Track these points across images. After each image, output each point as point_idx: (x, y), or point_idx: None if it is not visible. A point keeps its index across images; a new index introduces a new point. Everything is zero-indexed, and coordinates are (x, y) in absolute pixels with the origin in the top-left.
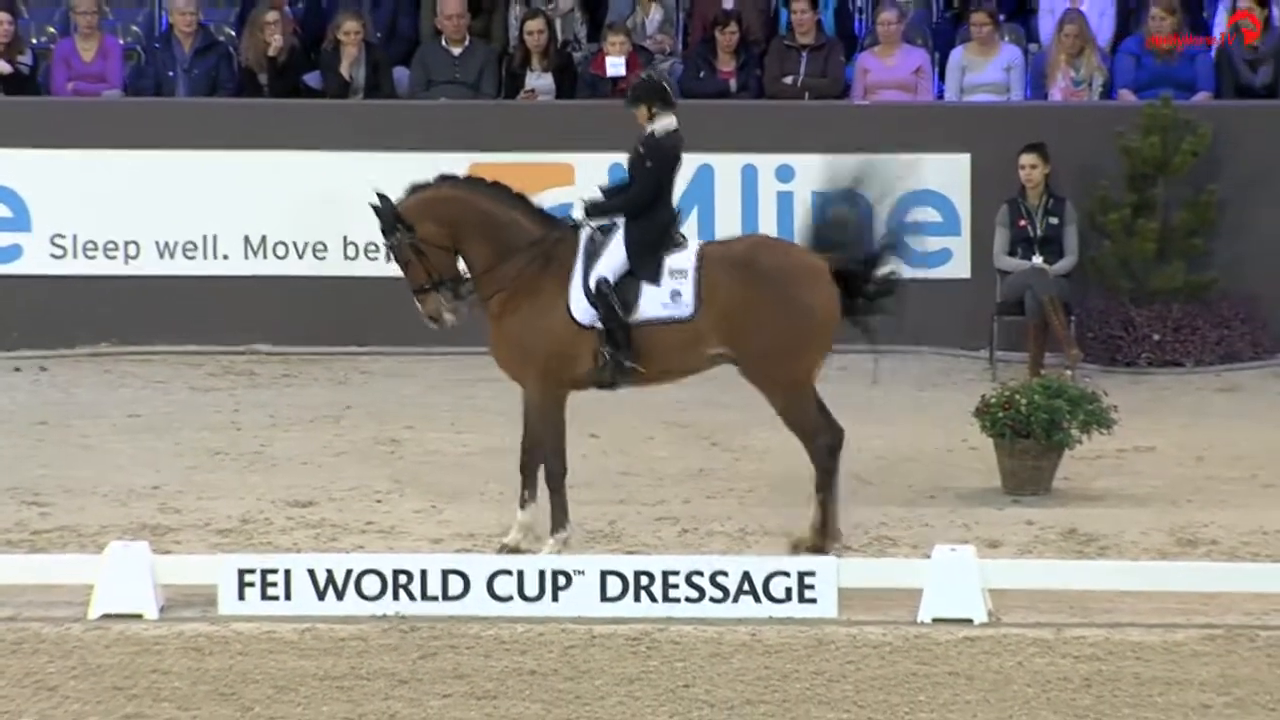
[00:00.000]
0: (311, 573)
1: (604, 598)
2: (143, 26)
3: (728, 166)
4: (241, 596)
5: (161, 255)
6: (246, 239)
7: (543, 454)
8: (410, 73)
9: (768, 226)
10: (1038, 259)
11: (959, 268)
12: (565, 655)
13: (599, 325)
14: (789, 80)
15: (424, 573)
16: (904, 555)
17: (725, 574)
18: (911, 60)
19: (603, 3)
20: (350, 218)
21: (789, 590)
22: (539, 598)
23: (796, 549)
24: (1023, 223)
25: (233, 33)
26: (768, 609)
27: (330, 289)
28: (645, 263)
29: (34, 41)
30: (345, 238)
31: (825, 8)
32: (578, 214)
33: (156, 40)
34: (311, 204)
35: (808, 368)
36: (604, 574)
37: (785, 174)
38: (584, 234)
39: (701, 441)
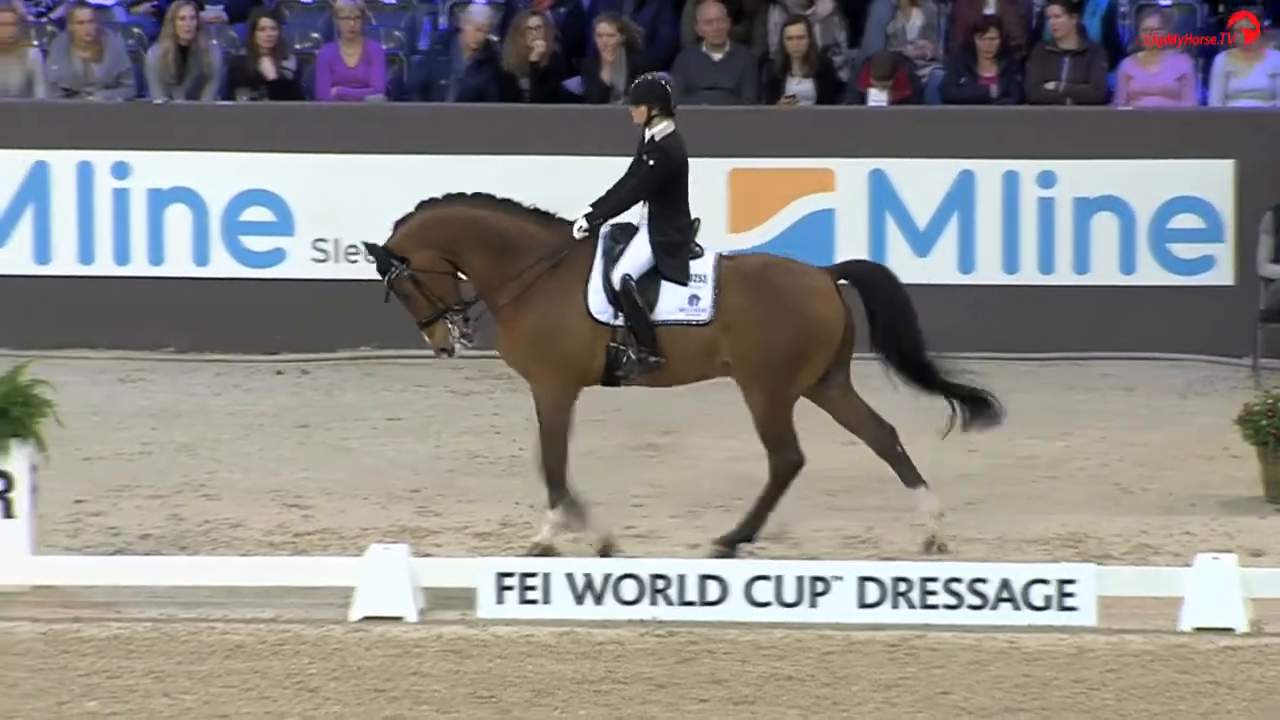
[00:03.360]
0: (570, 576)
1: (862, 604)
2: (405, 31)
3: (988, 172)
4: (500, 600)
5: None
6: None
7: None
8: (671, 78)
9: (1028, 233)
10: None
11: (1222, 275)
12: (823, 661)
13: (616, 322)
14: (1051, 86)
15: (682, 577)
16: (1165, 564)
17: (984, 581)
18: (1175, 67)
19: (864, 8)
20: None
21: (1048, 598)
22: (797, 603)
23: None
24: None
25: (495, 38)
26: (1027, 616)
27: None
28: (672, 263)
29: (297, 47)
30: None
31: (1092, 14)
32: (581, 220)
33: (437, 42)
34: (573, 207)
35: (800, 383)
36: (862, 580)
37: (1047, 180)
38: (602, 235)
39: (961, 447)
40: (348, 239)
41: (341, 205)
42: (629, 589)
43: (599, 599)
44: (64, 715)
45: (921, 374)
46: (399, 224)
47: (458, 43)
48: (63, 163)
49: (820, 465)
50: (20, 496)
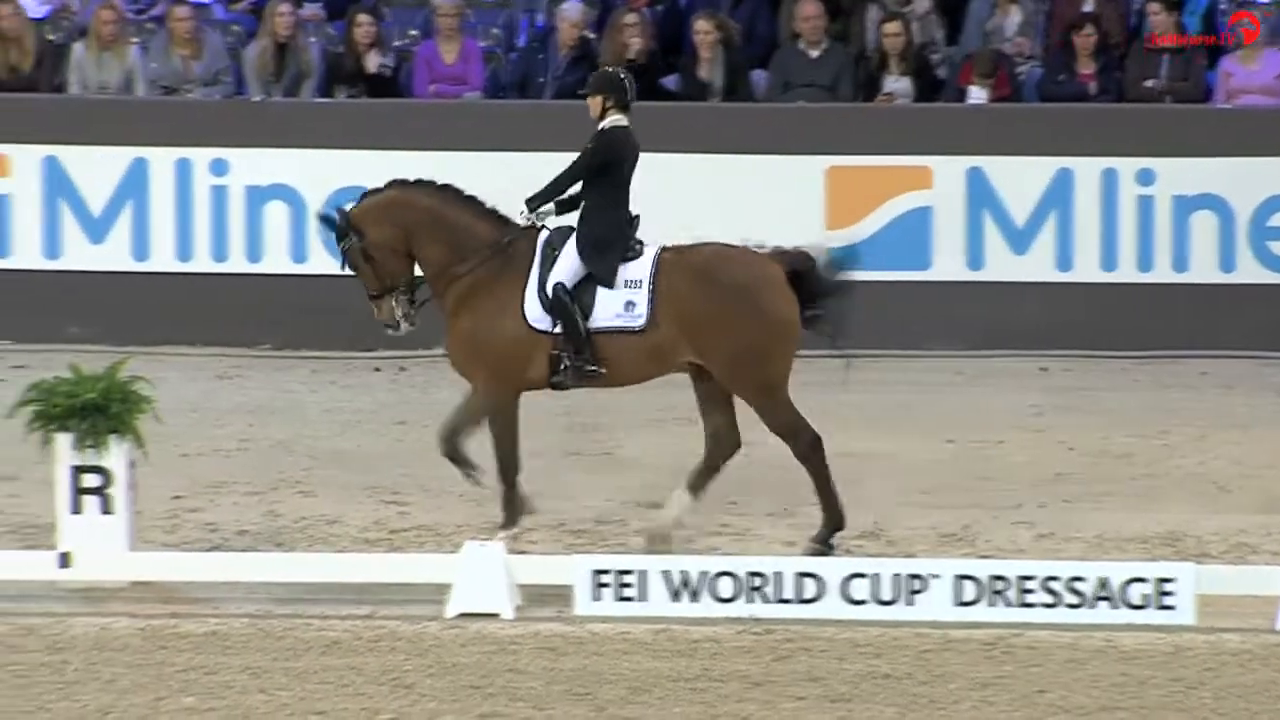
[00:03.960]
0: (666, 574)
1: (958, 602)
2: (503, 29)
3: (1087, 170)
4: (596, 597)
5: None
6: None
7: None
8: (768, 75)
9: (1127, 231)
10: None
11: None
12: (920, 659)
13: (553, 330)
14: (1150, 84)
15: (778, 575)
16: (1263, 562)
17: (1081, 579)
18: (1275, 64)
19: (962, 5)
20: (704, 220)
21: (1146, 596)
22: (893, 601)
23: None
24: None
25: (593, 35)
26: (1124, 615)
27: None
28: (599, 263)
29: (396, 44)
30: (700, 240)
31: (1192, 11)
32: (521, 211)
33: (534, 40)
34: (666, 206)
35: (778, 371)
36: (959, 578)
37: (1146, 178)
38: (541, 236)
39: (1058, 445)
40: None
41: None
42: (725, 586)
43: (695, 596)
44: (161, 711)
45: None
46: (366, 196)
47: (554, 40)
48: (161, 160)
49: (917, 461)
50: (118, 492)
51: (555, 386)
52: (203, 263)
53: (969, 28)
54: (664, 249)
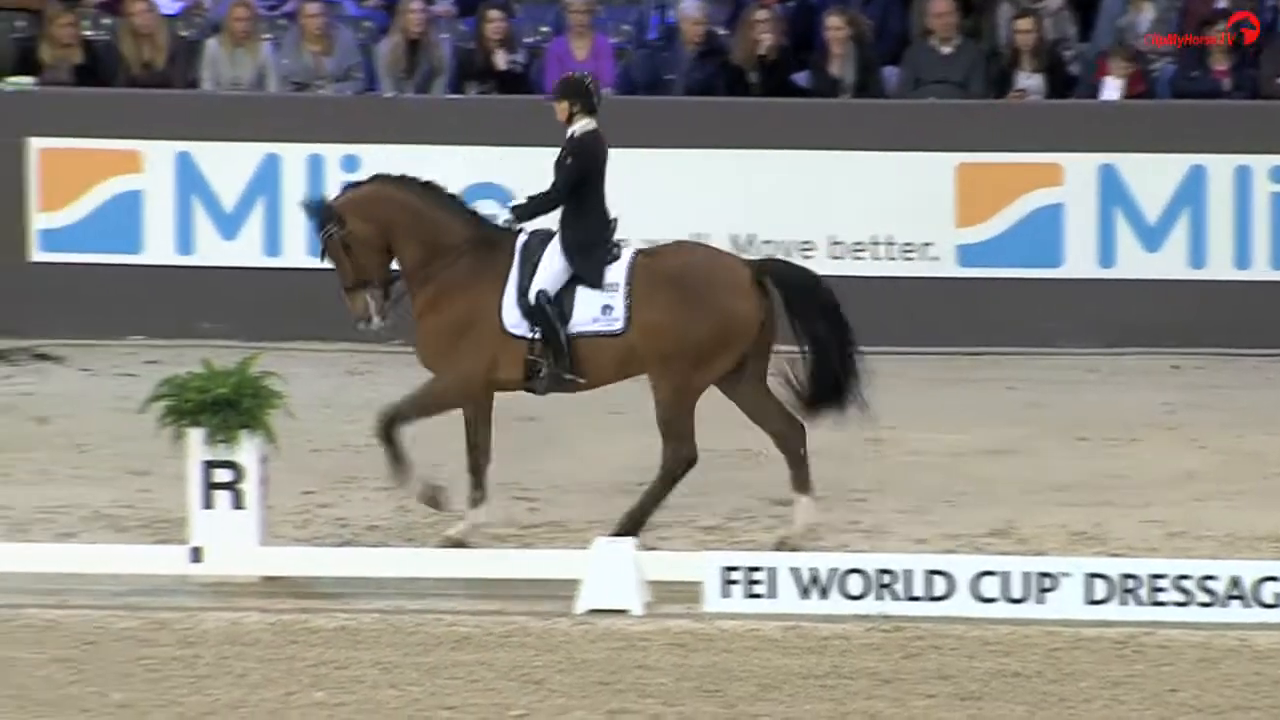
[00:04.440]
0: (796, 571)
1: (1089, 600)
2: (634, 25)
3: (1220, 167)
4: (726, 594)
5: None
6: (732, 238)
7: (484, 453)
8: (899, 71)
9: (1260, 228)
10: None
11: None
12: (1050, 658)
13: (530, 336)
14: None
15: (908, 573)
16: None
17: (1214, 578)
18: None
19: (1094, 2)
20: (835, 217)
21: (1279, 595)
22: (1024, 599)
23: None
24: None
25: (724, 31)
26: (1257, 614)
27: None
28: (585, 264)
29: (527, 40)
30: (830, 237)
31: None
32: (506, 217)
33: (659, 38)
34: (796, 202)
35: (704, 378)
36: (1089, 577)
37: None
38: (520, 239)
39: (1190, 443)
40: None
41: None
42: (855, 584)
43: (824, 594)
44: (291, 705)
45: (837, 381)
46: (350, 187)
47: (681, 37)
48: (293, 156)
49: (1049, 459)
50: (250, 488)
51: (529, 390)
52: None
53: (1101, 24)
54: (638, 252)
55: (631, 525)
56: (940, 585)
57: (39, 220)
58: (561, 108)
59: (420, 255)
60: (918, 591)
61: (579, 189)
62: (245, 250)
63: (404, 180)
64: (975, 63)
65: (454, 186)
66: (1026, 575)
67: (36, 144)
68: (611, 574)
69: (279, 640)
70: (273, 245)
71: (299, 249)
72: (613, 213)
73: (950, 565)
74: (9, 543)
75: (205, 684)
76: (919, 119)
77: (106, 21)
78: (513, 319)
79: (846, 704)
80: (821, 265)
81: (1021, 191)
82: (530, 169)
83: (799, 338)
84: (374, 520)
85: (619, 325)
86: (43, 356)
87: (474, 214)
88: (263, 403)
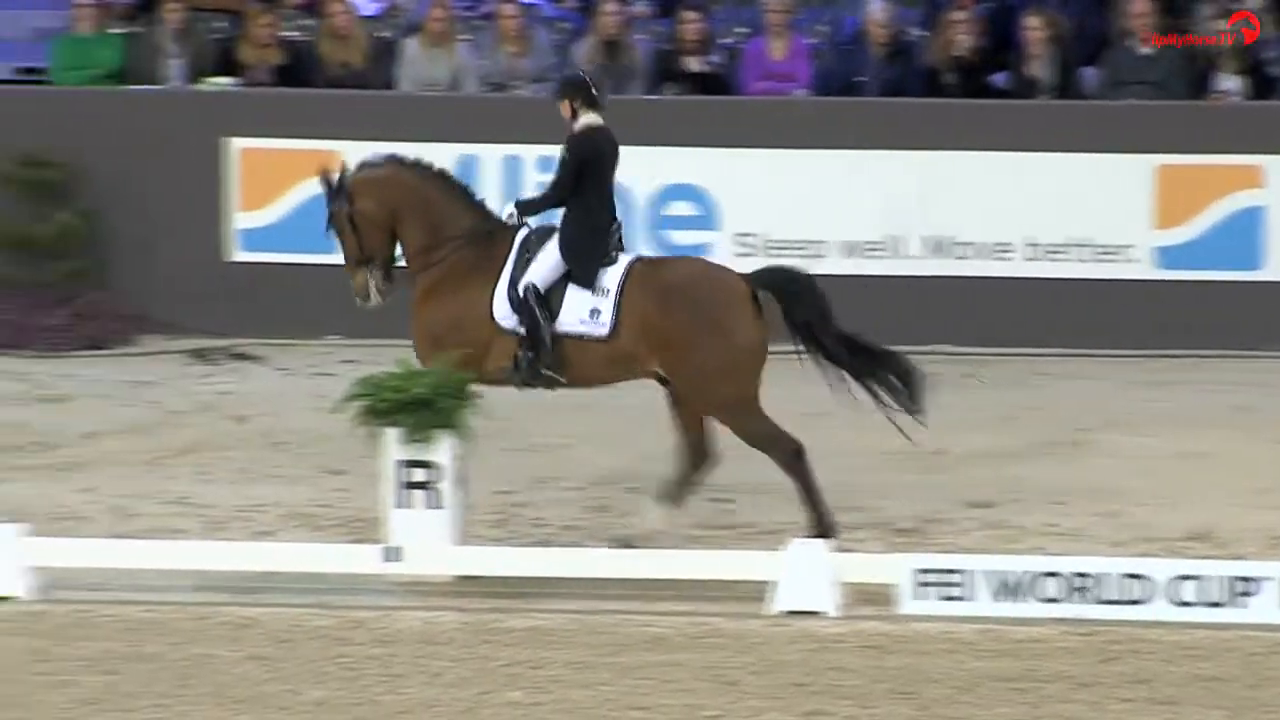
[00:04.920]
0: (991, 574)
1: None
2: (829, 26)
3: None
4: (920, 596)
5: (847, 255)
6: (928, 240)
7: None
8: (1098, 73)
9: None
10: None
11: None
12: (1248, 662)
13: (519, 330)
14: None
15: (1104, 576)
16: None
17: None
18: None
19: None
20: (1033, 219)
21: None
22: (1222, 604)
23: None
24: None
25: (920, 32)
26: None
27: (1011, 290)
28: (580, 264)
29: (724, 41)
30: (1027, 239)
31: None
32: (509, 211)
33: (850, 41)
34: (994, 204)
35: (745, 390)
36: None
37: None
38: (520, 234)
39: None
40: (772, 234)
41: (765, 200)
42: (1050, 587)
43: (1020, 597)
44: (485, 704)
45: (855, 367)
46: (363, 166)
47: (867, 38)
48: (490, 156)
49: (1249, 462)
50: (447, 487)
51: (515, 385)
52: None
53: None
54: (637, 259)
55: (820, 526)
56: (1137, 589)
57: (239, 220)
58: (564, 106)
59: (422, 241)
60: (1114, 595)
61: (581, 185)
62: None
63: (417, 165)
64: (1176, 64)
65: (647, 187)
66: (1225, 579)
67: (237, 144)
68: (806, 576)
69: (473, 640)
70: None
71: None
72: (618, 215)
73: (1147, 568)
74: (207, 540)
75: (399, 683)
76: (1118, 121)
77: (306, 23)
78: (502, 311)
79: (1041, 708)
80: (1017, 268)
81: (1221, 194)
82: (727, 169)
83: (807, 345)
84: (569, 520)
85: (604, 331)
86: (241, 356)
87: (482, 206)
88: (460, 403)
